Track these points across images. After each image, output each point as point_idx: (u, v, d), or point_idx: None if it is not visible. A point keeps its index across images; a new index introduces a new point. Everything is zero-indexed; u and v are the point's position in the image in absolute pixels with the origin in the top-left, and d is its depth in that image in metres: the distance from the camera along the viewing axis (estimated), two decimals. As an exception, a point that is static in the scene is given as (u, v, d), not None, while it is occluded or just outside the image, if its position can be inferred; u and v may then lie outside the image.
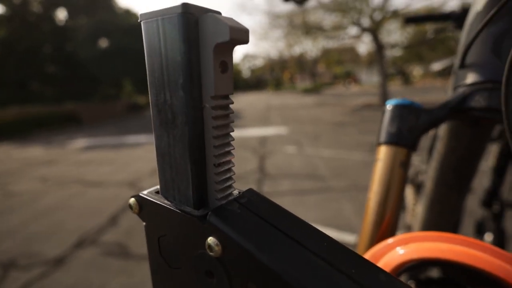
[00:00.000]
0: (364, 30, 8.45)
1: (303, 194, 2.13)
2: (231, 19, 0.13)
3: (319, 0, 8.32)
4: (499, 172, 0.90)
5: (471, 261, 0.21)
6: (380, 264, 0.24)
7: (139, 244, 1.59)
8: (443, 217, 0.44)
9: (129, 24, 13.14)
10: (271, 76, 45.76)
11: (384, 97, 8.02)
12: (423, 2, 7.79)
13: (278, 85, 37.59)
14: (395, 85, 20.80)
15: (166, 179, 0.16)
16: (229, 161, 0.16)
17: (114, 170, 3.25)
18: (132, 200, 0.17)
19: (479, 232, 0.95)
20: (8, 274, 1.40)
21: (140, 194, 0.17)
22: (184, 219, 0.15)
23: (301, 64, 31.05)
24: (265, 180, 2.52)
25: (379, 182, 0.31)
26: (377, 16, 8.13)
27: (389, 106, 0.33)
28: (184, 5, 0.12)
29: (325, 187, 2.25)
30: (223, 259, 0.14)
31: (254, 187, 2.33)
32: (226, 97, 0.15)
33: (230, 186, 0.17)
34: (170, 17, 0.13)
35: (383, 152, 0.32)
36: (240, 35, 0.13)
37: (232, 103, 0.15)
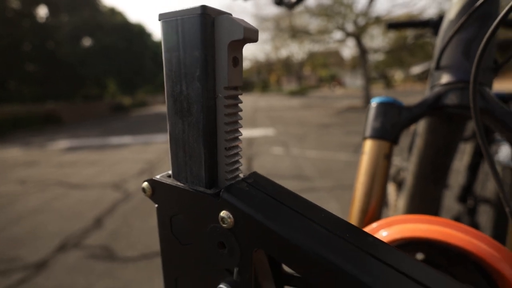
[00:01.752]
0: (348, 34, 8.68)
1: (290, 194, 2.17)
2: (243, 20, 0.15)
3: (305, 4, 8.47)
4: (472, 170, 0.97)
5: (446, 238, 0.23)
6: None
7: (124, 246, 1.57)
8: (422, 209, 0.47)
9: (113, 23, 12.84)
10: (258, 79, 45.92)
11: (367, 100, 8.26)
12: (404, 9, 8.14)
13: (265, 87, 37.76)
14: (377, 89, 21.42)
15: (179, 163, 0.18)
16: (238, 146, 0.18)
17: (98, 172, 3.17)
18: (145, 184, 0.19)
19: None
20: (-16, 280, 1.34)
21: (154, 178, 0.19)
22: (197, 198, 0.17)
23: (288, 67, 31.40)
24: (253, 180, 2.54)
25: (365, 173, 0.34)
26: (361, 21, 8.39)
27: (373, 103, 0.36)
28: (203, 7, 0.14)
29: (311, 187, 2.29)
30: (235, 229, 0.16)
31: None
32: (237, 88, 0.17)
33: (238, 168, 0.19)
34: (190, 17, 0.15)
35: (368, 145, 0.35)
36: (252, 34, 0.15)
37: (241, 93, 0.17)
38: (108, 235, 1.70)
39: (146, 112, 12.89)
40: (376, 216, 0.33)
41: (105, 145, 4.94)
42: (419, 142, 0.44)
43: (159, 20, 0.16)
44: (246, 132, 5.31)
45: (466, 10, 0.34)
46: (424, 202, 0.46)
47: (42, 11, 12.33)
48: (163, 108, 14.17)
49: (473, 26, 0.33)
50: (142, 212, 1.99)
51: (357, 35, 8.36)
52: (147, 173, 2.95)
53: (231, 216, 0.16)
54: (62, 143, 5.37)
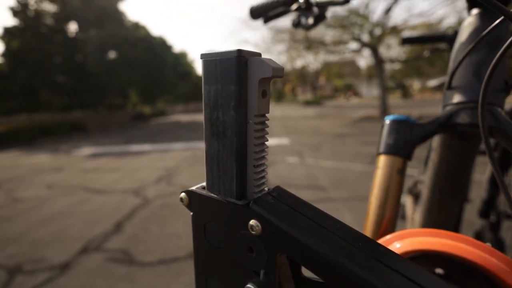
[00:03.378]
0: (364, 45, 8.62)
1: (305, 204, 2.16)
2: (271, 60, 0.19)
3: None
4: (495, 184, 0.94)
5: (456, 251, 0.24)
6: None
7: (143, 251, 1.62)
8: (439, 223, 0.47)
9: (136, 37, 13.51)
10: (274, 88, 46.13)
11: (384, 109, 8.08)
12: (421, 19, 8.00)
13: (280, 97, 37.88)
14: (394, 98, 20.91)
15: (213, 177, 0.21)
16: (264, 164, 0.21)
17: (119, 178, 3.29)
18: (183, 194, 0.22)
19: None
20: (13, 279, 1.43)
21: (190, 189, 0.22)
22: (229, 208, 0.20)
23: (303, 77, 31.43)
24: (267, 190, 2.55)
25: (379, 187, 0.36)
26: (377, 31, 8.32)
27: (387, 120, 0.38)
28: (239, 51, 0.18)
29: (326, 197, 2.27)
30: (262, 236, 0.19)
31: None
32: (264, 115, 0.20)
33: (264, 183, 0.22)
34: (227, 59, 0.18)
35: (382, 161, 0.37)
36: (279, 72, 0.18)
37: (268, 119, 0.21)
38: (128, 240, 1.76)
39: (165, 121, 13.27)
40: (390, 229, 0.34)
41: (126, 152, 5.13)
42: (434, 157, 0.45)
43: (201, 59, 0.20)
44: (261, 142, 5.34)
45: (477, 33, 0.35)
46: (441, 216, 0.47)
47: (73, 27, 13.23)
48: (180, 117, 14.55)
49: (484, 49, 0.35)
50: (160, 218, 2.05)
51: (373, 45, 8.30)
52: (165, 180, 3.03)
53: (259, 224, 0.19)
54: (87, 150, 5.64)
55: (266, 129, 0.21)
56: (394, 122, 0.37)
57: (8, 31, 11.77)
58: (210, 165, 0.21)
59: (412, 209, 0.98)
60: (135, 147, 5.67)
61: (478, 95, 0.34)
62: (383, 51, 9.38)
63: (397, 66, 14.50)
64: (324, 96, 30.24)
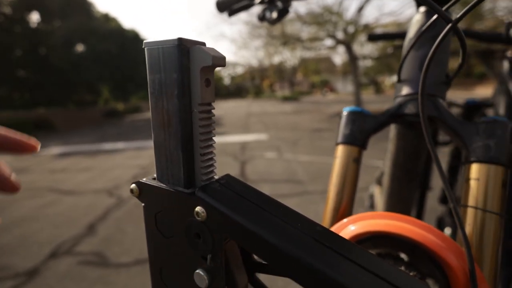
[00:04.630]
0: (338, 42, 8.86)
1: (283, 198, 2.20)
2: (213, 49, 0.19)
3: (296, 12, 8.64)
4: (452, 172, 1.02)
5: (399, 231, 0.26)
6: None
7: (118, 252, 1.57)
8: (399, 209, 0.51)
9: (107, 29, 12.82)
10: (252, 84, 46.17)
11: (358, 104, 8.39)
12: (391, 18, 8.35)
13: (258, 93, 37.98)
14: (368, 94, 21.78)
15: (162, 167, 0.21)
16: (212, 152, 0.22)
17: (91, 178, 3.15)
18: (133, 185, 0.22)
19: (440, 227, 1.06)
20: (-26, 289, 1.33)
21: (140, 180, 0.22)
22: (177, 196, 0.20)
23: (281, 73, 31.71)
24: (246, 185, 2.57)
25: (337, 176, 0.38)
26: (350, 29, 8.58)
27: (344, 112, 0.41)
28: (179, 39, 0.18)
29: (303, 190, 2.33)
30: (207, 222, 0.19)
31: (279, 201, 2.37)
32: (209, 104, 0.20)
33: (212, 171, 0.22)
34: (169, 47, 0.18)
35: (339, 150, 0.39)
36: (219, 61, 0.19)
37: (214, 108, 0.21)
38: (101, 241, 1.70)
39: (139, 118, 12.80)
40: (347, 214, 0.37)
41: (98, 151, 4.90)
42: (390, 147, 0.48)
43: (144, 47, 0.20)
44: (238, 137, 5.34)
45: (421, 30, 0.38)
46: (400, 202, 0.50)
47: (34, 17, 12.25)
48: (156, 114, 14.09)
49: (426, 45, 0.38)
50: (136, 217, 1.99)
51: (347, 42, 8.55)
52: (141, 178, 2.94)
53: (204, 210, 0.19)
54: (54, 149, 5.31)
55: (212, 117, 0.21)
56: (350, 114, 0.40)
57: (-42, 20, 10.65)
58: (158, 155, 0.21)
59: (379, 198, 1.05)
60: (108, 145, 5.43)
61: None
62: (356, 48, 9.71)
63: (370, 63, 15.10)
64: (302, 92, 30.77)
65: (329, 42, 9.63)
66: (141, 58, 14.11)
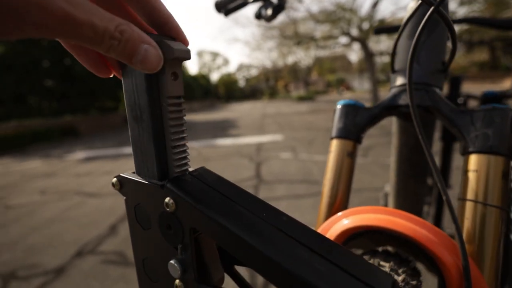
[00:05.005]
0: (353, 39, 8.68)
1: (299, 198, 2.19)
2: (178, 42, 0.19)
3: (309, 11, 8.56)
4: (443, 166, 0.97)
5: (391, 225, 0.25)
6: (328, 233, 0.30)
7: (138, 251, 1.62)
8: (405, 205, 0.50)
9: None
10: (266, 85, 46.19)
11: (376, 102, 8.15)
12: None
13: (273, 94, 37.91)
14: (386, 91, 21.09)
15: (139, 161, 0.22)
16: (184, 144, 0.22)
17: (112, 181, 3.27)
18: (114, 179, 0.23)
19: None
20: (7, 285, 1.42)
21: (121, 174, 0.23)
22: (151, 189, 0.21)
23: (295, 73, 31.47)
24: (262, 185, 2.58)
25: (331, 170, 0.37)
26: (365, 25, 8.38)
27: (338, 106, 0.40)
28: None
29: (319, 191, 2.30)
30: (177, 213, 0.20)
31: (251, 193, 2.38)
32: (178, 97, 0.21)
33: (185, 164, 0.22)
34: None
35: (334, 145, 0.38)
36: (182, 54, 0.19)
37: (183, 101, 0.21)
38: (122, 242, 1.77)
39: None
40: (342, 208, 0.36)
41: (119, 155, 5.10)
42: (394, 141, 0.47)
43: None
44: (254, 139, 5.36)
45: (414, 19, 0.36)
46: (408, 199, 0.49)
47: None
48: (173, 118, 14.44)
49: (423, 34, 0.36)
50: (154, 218, 2.05)
51: (363, 39, 8.36)
52: (159, 181, 3.03)
53: (172, 202, 0.20)
54: (79, 154, 5.58)
55: (183, 110, 0.21)
56: (344, 107, 0.39)
57: (-8, 36, 11.46)
58: (134, 149, 0.22)
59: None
60: (128, 149, 5.63)
61: (418, 76, 0.34)
62: (372, 44, 9.45)
63: (387, 59, 14.63)
64: (317, 92, 30.38)
65: (343, 39, 9.45)
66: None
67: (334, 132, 0.39)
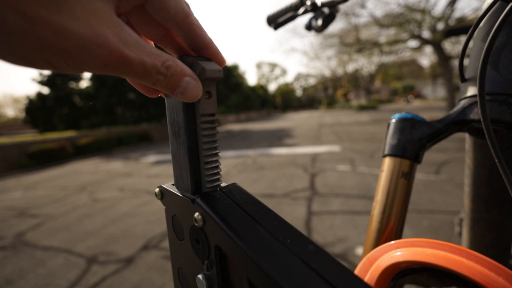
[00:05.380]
0: (425, 42, 7.80)
1: (356, 215, 2.03)
2: (212, 63, 0.20)
3: (372, 16, 8.06)
4: None
5: (450, 265, 0.21)
6: (376, 264, 0.26)
7: (194, 251, 1.73)
8: (485, 238, 0.40)
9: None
10: (325, 94, 44.92)
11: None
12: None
13: (331, 103, 36.60)
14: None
15: (177, 174, 0.23)
16: (216, 160, 0.22)
17: (175, 184, 3.59)
18: (157, 189, 0.25)
19: None
20: (90, 267, 1.67)
21: (162, 186, 0.24)
22: (184, 202, 0.22)
23: (356, 81, 29.83)
24: (315, 198, 2.48)
25: (382, 192, 0.33)
26: (440, 26, 7.44)
27: (392, 120, 0.35)
28: (181, 57, 0.19)
29: (380, 208, 2.10)
30: (204, 229, 0.20)
31: (304, 205, 2.32)
32: (212, 115, 0.21)
33: (217, 179, 0.23)
34: None
35: (386, 163, 0.34)
36: (214, 74, 0.19)
37: (217, 119, 0.22)
38: (181, 240, 1.91)
39: (218, 130, 14.04)
40: (395, 236, 0.31)
41: (182, 160, 5.57)
42: (468, 161, 0.39)
43: None
44: (309, 149, 5.23)
45: (493, 19, 0.30)
46: (488, 232, 0.39)
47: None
48: (232, 127, 15.20)
49: (502, 35, 0.29)
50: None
51: (437, 41, 7.43)
52: (216, 186, 3.20)
53: (201, 217, 0.20)
54: (151, 158, 6.31)
55: (216, 127, 0.22)
56: (399, 121, 0.34)
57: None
58: (173, 162, 0.23)
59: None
60: (191, 155, 6.11)
61: (496, 86, 0.28)
62: (448, 47, 8.34)
63: (466, 62, 12.62)
64: (380, 100, 28.13)
65: (413, 43, 8.59)
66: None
67: (386, 149, 0.35)
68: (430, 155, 3.65)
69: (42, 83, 14.00)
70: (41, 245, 2.04)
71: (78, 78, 14.57)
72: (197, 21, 0.19)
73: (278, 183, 3.09)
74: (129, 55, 0.14)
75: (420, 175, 2.86)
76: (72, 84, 14.48)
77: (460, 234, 0.91)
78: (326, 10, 0.48)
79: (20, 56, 0.12)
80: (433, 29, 7.56)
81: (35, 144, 7.10)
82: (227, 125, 19.69)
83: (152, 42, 0.21)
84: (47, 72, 14.12)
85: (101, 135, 9.22)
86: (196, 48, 0.20)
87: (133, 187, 3.62)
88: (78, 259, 1.79)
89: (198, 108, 0.20)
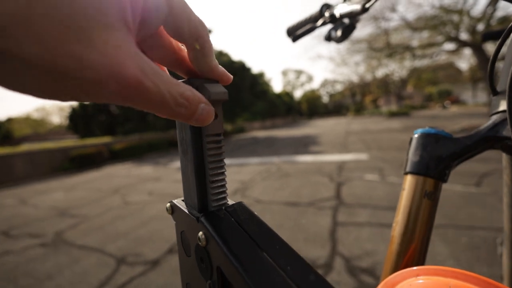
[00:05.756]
0: (464, 44, 7.30)
1: (384, 228, 1.92)
2: (217, 85, 0.20)
3: (403, 19, 7.74)
4: None
5: None
6: None
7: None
8: None
9: (220, 62, 15.21)
10: (352, 101, 43.68)
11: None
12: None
13: (359, 110, 35.44)
14: None
15: (186, 191, 0.23)
16: (222, 179, 0.23)
17: (201, 189, 3.68)
18: (168, 204, 0.25)
19: None
20: (119, 268, 1.76)
21: (173, 201, 0.25)
22: (191, 219, 0.22)
23: (386, 87, 28.62)
24: (341, 208, 2.39)
25: (403, 212, 0.31)
26: (480, 27, 6.93)
27: (415, 135, 0.33)
28: (188, 80, 0.20)
29: (412, 222, 1.97)
30: (207, 248, 0.20)
31: (329, 215, 2.24)
32: (218, 135, 0.22)
33: (223, 198, 0.23)
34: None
35: (407, 181, 0.32)
36: (218, 96, 0.19)
37: (223, 138, 0.22)
38: (204, 246, 1.93)
39: (243, 137, 14.21)
40: (417, 261, 0.29)
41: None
42: (506, 179, 0.35)
43: None
44: (336, 157, 5.09)
45: None
46: None
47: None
48: (257, 133, 15.29)
49: None
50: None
51: (477, 43, 6.91)
52: (240, 192, 3.22)
53: (204, 237, 0.20)
54: (178, 164, 6.53)
55: (222, 147, 0.22)
56: (421, 137, 0.32)
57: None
58: (183, 179, 0.23)
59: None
60: (216, 161, 6.23)
61: None
62: (490, 48, 7.72)
63: None
64: (413, 106, 26.67)
65: (449, 46, 8.09)
66: (244, 85, 15.95)
67: (408, 167, 0.33)
68: (470, 165, 3.36)
69: (83, 92, 15.21)
70: (78, 244, 2.18)
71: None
72: (209, 42, 0.19)
73: (302, 191, 3.03)
74: (147, 84, 0.14)
75: (458, 187, 2.65)
76: (109, 93, 15.54)
77: (501, 255, 0.82)
78: (346, 20, 0.47)
79: (40, 89, 0.12)
80: (472, 31, 7.06)
81: (76, 149, 7.70)
82: (252, 131, 19.85)
83: (166, 69, 0.21)
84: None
85: (133, 141, 9.77)
86: (204, 69, 0.20)
87: (161, 191, 3.77)
88: (109, 259, 1.88)
89: (204, 128, 0.21)
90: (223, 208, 0.23)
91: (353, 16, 0.45)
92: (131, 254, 1.92)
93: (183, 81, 0.20)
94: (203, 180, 0.22)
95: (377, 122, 14.95)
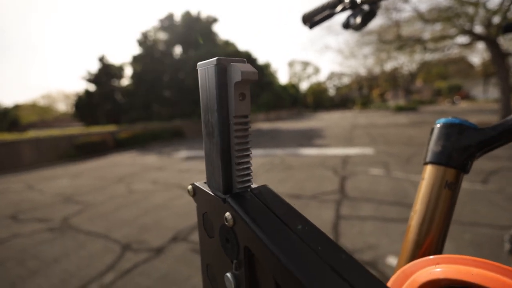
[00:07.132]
0: (478, 38, 7.07)
1: (388, 222, 1.92)
2: (247, 65, 0.20)
3: (416, 10, 7.51)
4: None
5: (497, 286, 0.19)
6: (409, 280, 0.24)
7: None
8: None
9: (227, 52, 15.09)
10: (359, 94, 43.16)
11: (506, 114, 6.37)
12: None
13: (366, 103, 35.01)
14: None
15: (209, 173, 0.24)
16: (248, 162, 0.23)
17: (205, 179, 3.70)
18: (189, 187, 0.26)
19: None
20: (124, 254, 1.79)
21: (195, 183, 0.25)
22: (215, 201, 0.22)
23: (394, 80, 28.11)
24: (345, 201, 2.39)
25: (422, 201, 0.30)
26: (496, 20, 6.69)
27: (437, 125, 0.32)
28: (218, 59, 0.20)
29: (416, 218, 1.95)
30: (234, 229, 0.20)
31: (332, 209, 2.24)
32: (245, 116, 0.21)
33: (248, 180, 0.23)
34: (210, 67, 0.21)
35: (427, 171, 0.31)
36: (249, 76, 0.19)
37: (249, 120, 0.22)
38: (208, 235, 1.96)
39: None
40: (434, 250, 0.28)
41: (212, 157, 5.73)
42: None
43: (197, 68, 0.22)
44: (340, 150, 5.06)
45: None
46: None
47: (178, 50, 15.85)
48: (262, 125, 15.25)
49: None
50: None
51: (491, 37, 6.69)
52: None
53: (231, 217, 0.20)
54: (182, 153, 6.58)
55: (249, 129, 0.22)
56: (444, 126, 0.31)
57: (135, 58, 15.14)
58: (206, 161, 0.23)
59: None
60: (220, 152, 6.25)
61: None
62: (505, 42, 7.48)
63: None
64: (421, 101, 26.23)
65: (462, 39, 7.86)
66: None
67: (428, 157, 0.32)
68: (477, 162, 3.31)
69: (89, 80, 15.30)
70: (84, 229, 2.23)
71: (120, 76, 15.69)
72: None
73: (306, 184, 3.03)
74: None
75: (464, 183, 2.61)
76: (115, 82, 15.62)
77: (510, 252, 0.81)
78: (366, 7, 0.45)
79: None
80: (487, 23, 6.82)
81: (81, 137, 7.78)
82: (257, 123, 19.81)
83: None
84: (94, 71, 15.41)
85: (138, 130, 9.82)
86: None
87: (165, 180, 3.80)
88: (114, 245, 1.92)
89: (231, 109, 0.21)
90: (249, 190, 0.23)
91: (375, 2, 0.43)
92: (136, 241, 1.96)
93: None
94: (229, 162, 0.22)
95: (384, 116, 14.78)
